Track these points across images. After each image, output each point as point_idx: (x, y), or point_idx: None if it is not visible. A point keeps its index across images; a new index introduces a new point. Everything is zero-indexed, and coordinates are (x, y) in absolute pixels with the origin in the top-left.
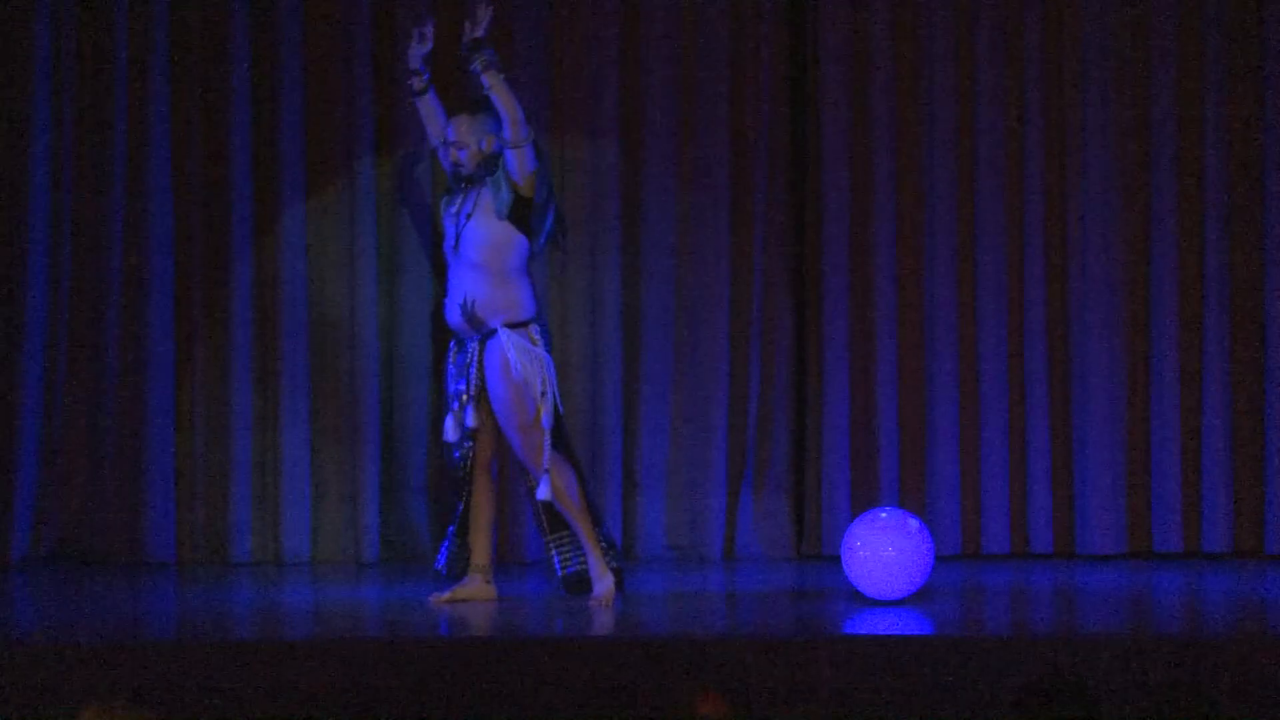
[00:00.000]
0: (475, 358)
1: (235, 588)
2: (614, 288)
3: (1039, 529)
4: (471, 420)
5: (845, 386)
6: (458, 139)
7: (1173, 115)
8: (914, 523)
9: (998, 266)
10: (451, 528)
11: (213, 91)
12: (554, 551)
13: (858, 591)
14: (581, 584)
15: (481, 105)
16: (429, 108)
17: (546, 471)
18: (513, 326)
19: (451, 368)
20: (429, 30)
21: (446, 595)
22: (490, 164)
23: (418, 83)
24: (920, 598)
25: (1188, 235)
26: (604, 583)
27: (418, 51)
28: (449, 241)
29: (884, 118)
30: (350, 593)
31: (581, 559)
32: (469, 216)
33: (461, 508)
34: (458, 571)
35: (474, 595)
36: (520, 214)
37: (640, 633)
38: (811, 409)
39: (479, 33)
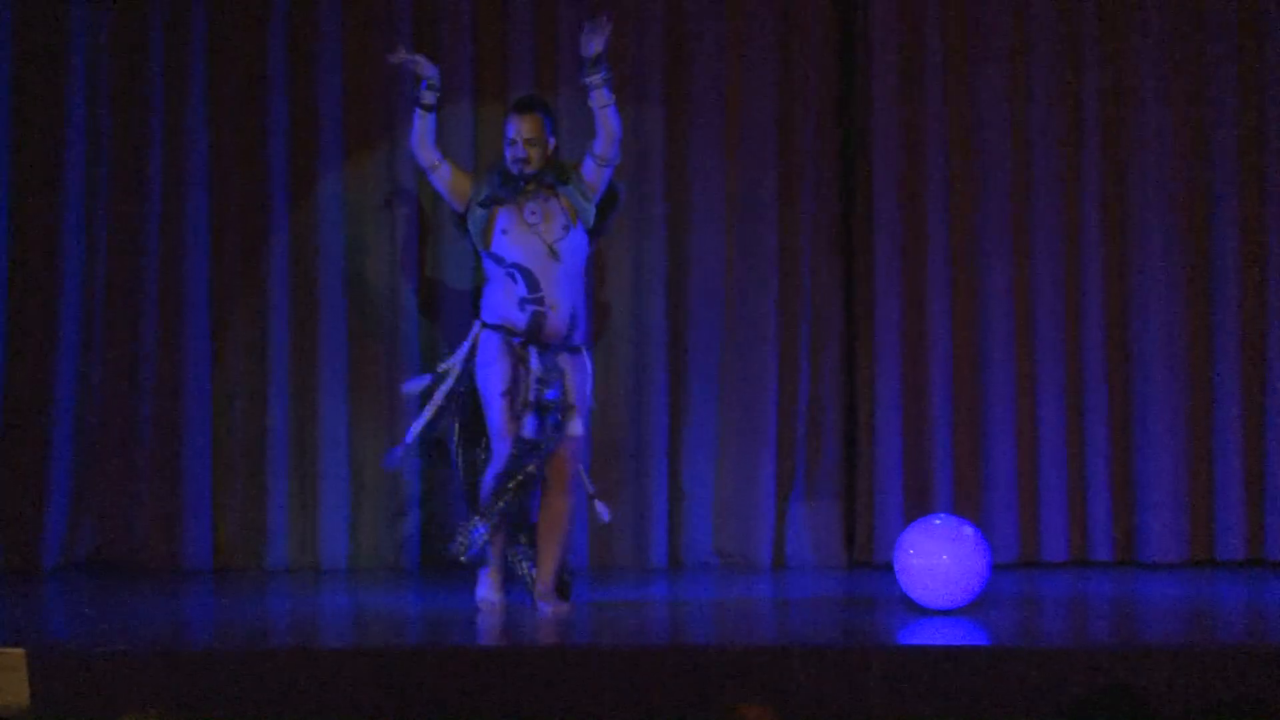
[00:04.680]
0: (570, 369)
1: (272, 595)
2: (659, 284)
3: (1098, 535)
4: (580, 429)
5: (897, 389)
6: (529, 135)
7: (1233, 117)
8: (969, 529)
9: (1055, 264)
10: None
11: (250, 59)
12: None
13: (910, 600)
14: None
15: (539, 106)
16: (425, 127)
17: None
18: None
19: (540, 369)
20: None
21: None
22: (557, 171)
23: (429, 97)
24: (975, 607)
25: (1250, 235)
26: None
27: (432, 69)
28: (534, 249)
29: (936, 109)
30: (390, 600)
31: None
32: (566, 228)
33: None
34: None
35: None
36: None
37: (686, 641)
38: (863, 412)
39: (598, 47)
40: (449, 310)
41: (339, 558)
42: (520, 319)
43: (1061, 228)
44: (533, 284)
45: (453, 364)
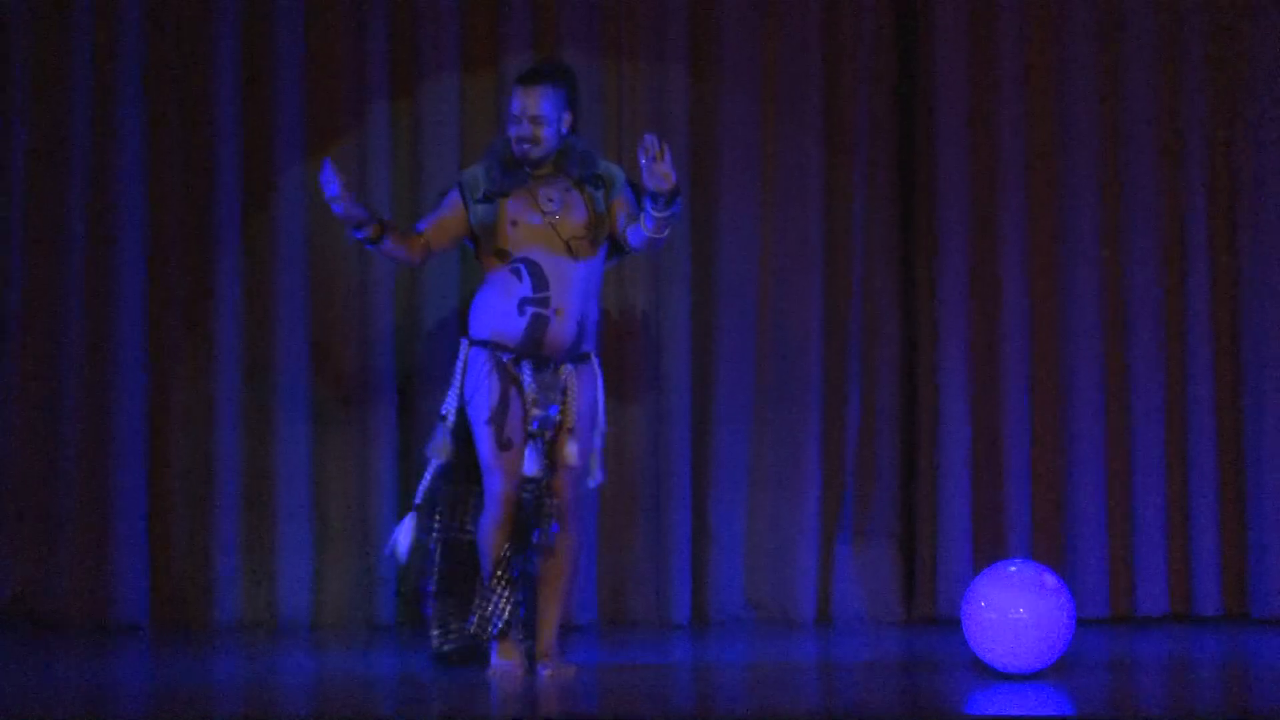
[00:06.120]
0: (570, 381)
1: (220, 655)
2: (681, 284)
3: (1204, 586)
4: (575, 457)
5: (965, 410)
6: (536, 111)
7: None
8: (1050, 578)
9: (1152, 264)
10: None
11: (192, 32)
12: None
13: (981, 662)
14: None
15: (549, 75)
16: (391, 250)
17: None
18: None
19: (534, 388)
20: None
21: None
22: (585, 165)
23: (370, 231)
24: (1058, 670)
25: None
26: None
27: (348, 201)
28: (547, 241)
29: (1013, 69)
30: (361, 662)
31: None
32: (588, 228)
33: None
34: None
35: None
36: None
37: (714, 711)
38: (924, 438)
39: (671, 177)
40: (429, 313)
41: (300, 611)
42: (515, 327)
43: (1160, 222)
44: (540, 282)
45: (448, 406)
